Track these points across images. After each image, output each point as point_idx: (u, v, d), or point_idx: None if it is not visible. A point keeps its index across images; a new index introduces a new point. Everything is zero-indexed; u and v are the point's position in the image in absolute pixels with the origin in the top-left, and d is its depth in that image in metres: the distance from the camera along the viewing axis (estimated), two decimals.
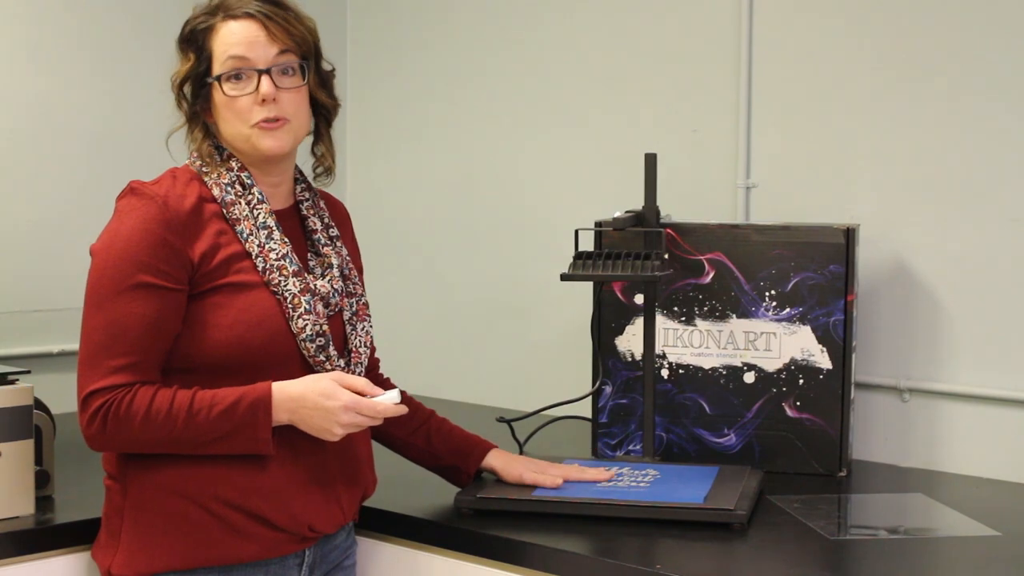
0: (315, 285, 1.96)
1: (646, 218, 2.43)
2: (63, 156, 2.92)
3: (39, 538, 2.06)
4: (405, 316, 3.28)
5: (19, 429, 2.09)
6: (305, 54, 1.97)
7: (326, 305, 1.97)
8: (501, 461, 2.20)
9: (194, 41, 1.95)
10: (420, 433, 2.19)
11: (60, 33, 2.92)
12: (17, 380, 2.12)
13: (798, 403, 2.43)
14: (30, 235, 2.86)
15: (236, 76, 1.92)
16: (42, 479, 2.16)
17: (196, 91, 1.95)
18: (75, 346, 1.90)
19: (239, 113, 1.93)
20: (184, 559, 1.89)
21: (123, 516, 1.92)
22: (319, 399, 1.87)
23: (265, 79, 1.92)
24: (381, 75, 3.30)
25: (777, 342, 2.43)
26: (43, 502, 2.16)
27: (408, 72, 3.28)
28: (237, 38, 1.93)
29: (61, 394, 2.46)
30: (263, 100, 1.92)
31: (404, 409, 1.93)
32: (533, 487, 2.16)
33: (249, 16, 1.94)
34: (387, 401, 1.91)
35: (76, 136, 2.94)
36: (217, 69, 1.93)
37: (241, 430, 1.86)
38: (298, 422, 1.89)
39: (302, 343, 1.92)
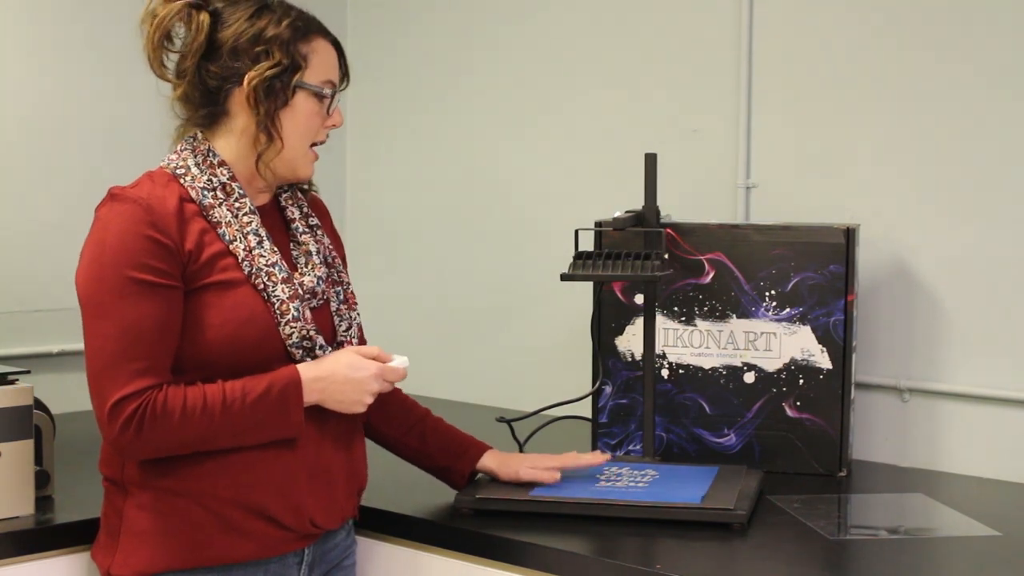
0: (303, 283, 1.96)
1: (646, 218, 2.43)
2: (63, 156, 2.92)
3: (39, 538, 2.05)
4: (405, 315, 3.28)
5: (19, 429, 2.09)
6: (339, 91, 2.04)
7: (313, 296, 1.97)
8: (496, 462, 2.20)
9: (283, 43, 1.93)
10: (415, 432, 2.19)
11: (63, 33, 2.92)
12: (17, 380, 2.11)
13: (798, 403, 2.43)
14: (30, 235, 2.86)
15: (328, 96, 1.98)
16: (42, 479, 2.16)
17: (274, 92, 1.93)
18: (76, 346, 1.89)
19: (313, 129, 1.98)
20: (183, 559, 1.89)
21: (122, 516, 1.92)
22: (348, 371, 1.92)
23: (338, 109, 2.01)
24: (381, 75, 3.30)
25: (777, 342, 2.43)
26: (43, 502, 2.15)
27: (408, 72, 3.28)
28: (333, 62, 2.01)
29: (61, 394, 2.46)
30: (332, 126, 2.01)
31: (406, 374, 2.02)
32: (532, 487, 2.16)
33: (335, 44, 2.02)
34: (401, 366, 1.99)
35: (76, 136, 2.94)
36: (315, 82, 1.96)
37: (275, 416, 1.88)
38: (326, 399, 1.92)
39: (289, 348, 1.93)
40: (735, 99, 2.73)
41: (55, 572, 2.07)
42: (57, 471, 2.21)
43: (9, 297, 2.84)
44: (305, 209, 2.06)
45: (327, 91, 1.97)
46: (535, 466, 2.19)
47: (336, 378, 1.92)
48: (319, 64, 1.97)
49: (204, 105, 1.96)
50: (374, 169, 3.36)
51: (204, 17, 1.94)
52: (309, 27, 1.97)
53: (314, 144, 2.00)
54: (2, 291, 2.83)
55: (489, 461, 2.20)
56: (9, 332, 2.82)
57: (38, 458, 2.16)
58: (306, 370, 1.91)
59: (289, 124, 1.95)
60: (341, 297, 2.03)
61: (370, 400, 1.95)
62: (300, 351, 1.93)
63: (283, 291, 1.92)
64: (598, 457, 2.23)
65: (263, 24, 1.94)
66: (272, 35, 1.94)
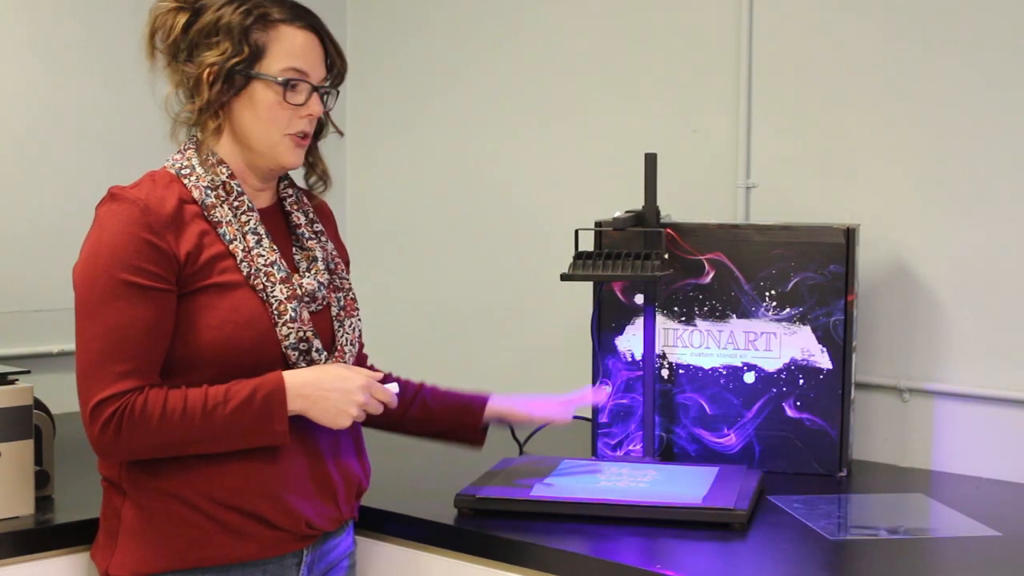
0: (302, 285, 1.95)
1: (646, 218, 2.43)
2: (64, 156, 2.92)
3: (39, 538, 2.06)
4: (405, 316, 3.28)
5: (19, 429, 2.09)
6: (337, 83, 2.01)
7: (312, 300, 1.96)
8: (505, 407, 2.18)
9: (233, 31, 1.90)
10: (416, 403, 2.17)
11: (64, 34, 2.92)
12: (17, 380, 2.12)
13: (798, 403, 2.43)
14: (31, 235, 2.86)
15: (292, 85, 1.93)
16: (42, 479, 2.17)
17: (225, 82, 1.91)
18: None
19: (278, 119, 1.94)
20: (182, 559, 1.89)
21: (120, 517, 1.92)
22: (336, 380, 1.90)
23: (316, 98, 1.96)
24: (381, 75, 3.31)
25: (777, 342, 2.43)
26: (43, 502, 2.16)
27: (408, 72, 3.28)
28: (301, 49, 1.94)
29: (61, 394, 2.46)
30: (309, 116, 1.95)
31: (396, 404, 1.99)
32: (532, 486, 2.17)
33: (312, 29, 1.96)
34: (390, 390, 1.97)
35: (77, 136, 2.94)
36: (273, 71, 1.92)
37: (257, 424, 1.86)
38: (310, 408, 1.89)
39: (285, 349, 1.92)
40: (735, 99, 2.74)
41: (55, 572, 2.07)
42: (57, 471, 2.22)
43: (9, 297, 2.84)
44: (311, 215, 2.06)
45: (287, 80, 1.92)
46: (544, 406, 2.18)
47: (323, 385, 1.90)
48: (280, 52, 1.92)
49: (188, 100, 1.96)
50: (374, 169, 3.36)
51: (181, 17, 1.94)
52: (271, 15, 1.92)
53: (296, 134, 1.95)
54: (2, 291, 2.83)
55: (497, 409, 2.18)
56: (9, 332, 2.82)
57: (38, 458, 2.16)
58: (292, 376, 1.89)
59: (248, 115, 1.93)
60: (341, 303, 2.02)
61: (355, 412, 1.92)
62: (296, 353, 1.92)
63: (281, 291, 1.91)
64: (600, 394, 2.23)
65: (222, 13, 1.92)
66: (224, 23, 1.91)
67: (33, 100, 2.89)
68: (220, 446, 1.87)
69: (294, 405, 1.88)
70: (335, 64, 2.00)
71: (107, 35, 2.95)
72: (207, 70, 1.90)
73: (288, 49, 1.93)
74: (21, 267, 2.85)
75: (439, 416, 2.18)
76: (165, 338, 1.87)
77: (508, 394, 2.21)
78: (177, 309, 1.88)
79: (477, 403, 2.18)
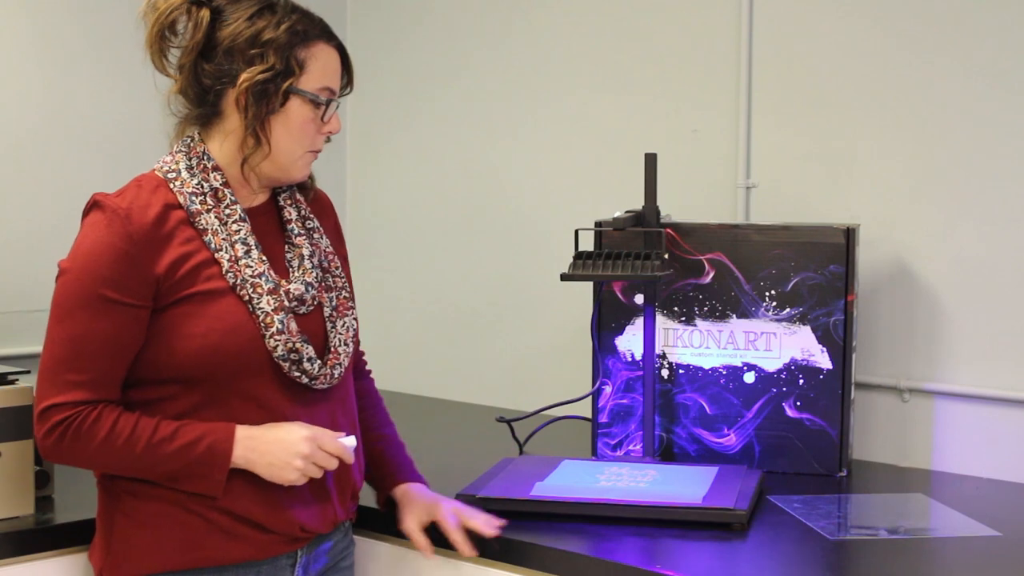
0: (289, 291, 1.92)
1: (646, 218, 2.43)
2: (65, 156, 2.92)
3: (38, 538, 2.06)
4: (405, 316, 3.28)
5: (19, 429, 2.09)
6: (342, 95, 2.01)
7: (301, 303, 1.94)
8: (399, 502, 2.10)
9: (280, 47, 1.90)
10: (365, 451, 2.13)
11: (66, 36, 2.92)
12: (17, 380, 2.12)
13: (798, 403, 2.43)
14: (30, 236, 2.86)
15: (326, 104, 1.94)
16: (42, 479, 2.17)
17: (267, 97, 1.90)
18: None
19: (307, 135, 1.95)
20: (175, 561, 1.89)
21: (115, 519, 1.92)
22: (279, 432, 1.88)
23: (337, 115, 1.98)
24: (381, 75, 3.31)
25: (777, 342, 2.43)
26: (43, 502, 2.16)
27: (408, 72, 3.28)
28: (335, 68, 1.96)
29: None
30: (329, 132, 1.97)
31: (352, 459, 1.94)
32: (532, 486, 2.17)
33: (338, 48, 1.98)
34: (344, 442, 1.92)
35: (77, 137, 2.94)
36: (311, 88, 1.93)
37: (194, 468, 1.85)
38: (256, 461, 1.87)
39: (276, 360, 1.90)
40: (735, 99, 2.74)
41: (55, 572, 2.07)
42: (57, 471, 2.22)
43: (9, 297, 2.84)
44: (303, 211, 2.03)
45: (323, 98, 1.94)
46: (416, 528, 2.07)
47: (266, 437, 1.87)
48: (317, 70, 1.93)
49: (199, 104, 1.94)
50: (374, 169, 3.36)
51: (204, 14, 1.92)
52: (310, 32, 1.93)
53: (314, 150, 1.98)
54: (2, 291, 2.83)
55: (398, 496, 2.11)
56: (9, 332, 2.82)
57: (38, 458, 2.16)
58: (243, 430, 1.87)
59: (281, 129, 1.92)
60: (334, 303, 1.99)
61: (300, 464, 1.87)
62: (287, 363, 1.90)
63: (268, 303, 1.89)
64: (489, 526, 2.04)
65: (261, 26, 1.91)
66: (268, 38, 1.90)
67: (33, 101, 2.89)
68: (154, 479, 1.87)
69: (240, 458, 1.86)
70: (350, 81, 2.01)
71: (107, 37, 2.94)
72: (250, 83, 1.89)
73: (324, 67, 1.94)
74: (21, 267, 2.85)
75: (372, 472, 2.13)
76: (127, 354, 1.86)
77: (411, 496, 2.09)
78: (159, 320, 1.87)
79: (387, 484, 2.12)
